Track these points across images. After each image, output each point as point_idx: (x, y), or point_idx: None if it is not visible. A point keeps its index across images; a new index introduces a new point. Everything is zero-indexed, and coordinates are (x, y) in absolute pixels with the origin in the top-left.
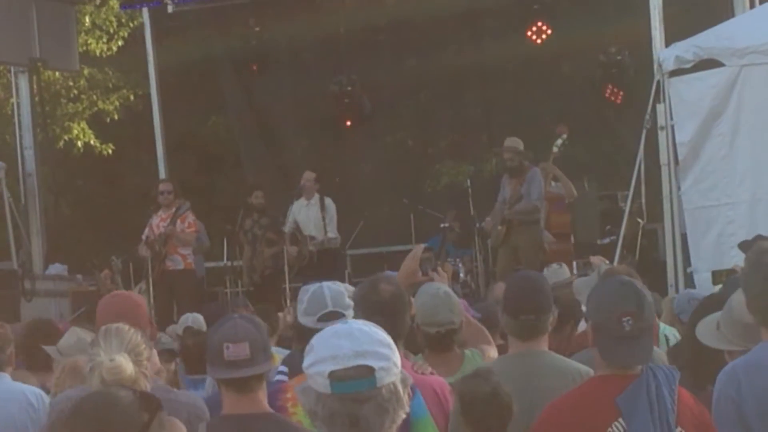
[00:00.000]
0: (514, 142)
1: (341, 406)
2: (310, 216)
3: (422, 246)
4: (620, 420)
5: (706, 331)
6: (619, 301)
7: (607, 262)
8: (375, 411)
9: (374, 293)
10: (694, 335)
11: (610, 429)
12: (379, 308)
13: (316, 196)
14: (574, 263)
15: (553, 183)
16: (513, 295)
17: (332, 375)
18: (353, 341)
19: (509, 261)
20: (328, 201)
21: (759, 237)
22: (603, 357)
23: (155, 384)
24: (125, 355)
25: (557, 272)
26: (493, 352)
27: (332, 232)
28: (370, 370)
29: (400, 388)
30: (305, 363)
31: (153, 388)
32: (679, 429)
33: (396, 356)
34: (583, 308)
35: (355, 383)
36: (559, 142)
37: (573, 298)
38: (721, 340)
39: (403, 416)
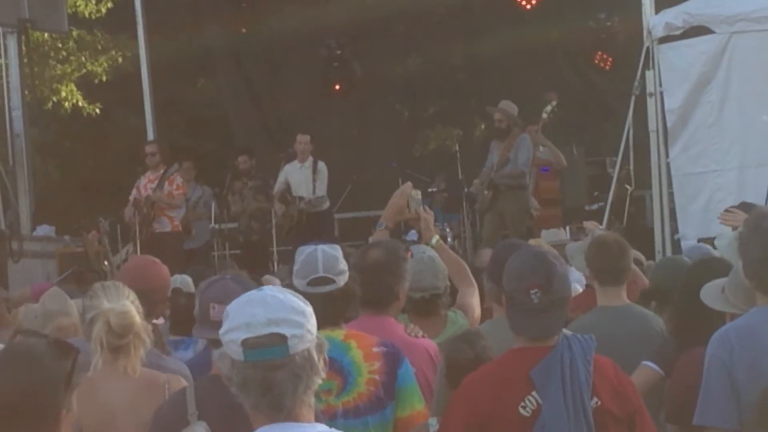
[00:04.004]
0: (509, 106)
1: (254, 373)
2: (302, 178)
3: (410, 183)
4: (534, 393)
5: (711, 293)
6: (527, 273)
7: (601, 226)
8: (288, 378)
9: (361, 258)
10: (682, 301)
11: (523, 403)
12: (362, 273)
13: (310, 158)
14: (567, 228)
15: (541, 148)
16: (498, 263)
17: (245, 343)
18: (267, 309)
19: (495, 226)
20: (321, 164)
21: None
22: (512, 329)
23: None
24: (130, 304)
25: (555, 234)
26: (474, 299)
27: (321, 191)
28: (282, 338)
29: (314, 354)
30: (221, 330)
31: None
32: (594, 399)
33: (311, 323)
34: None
35: (267, 351)
36: (549, 108)
37: None
38: (724, 303)
39: (319, 382)
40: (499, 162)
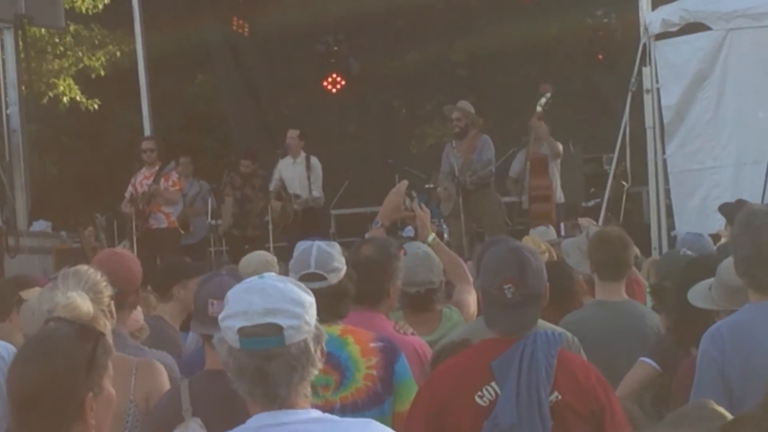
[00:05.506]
0: (466, 105)
1: (250, 361)
2: (296, 174)
3: (406, 182)
4: (493, 384)
5: (699, 292)
6: (501, 268)
7: (596, 223)
8: (283, 368)
9: (353, 255)
10: (680, 297)
11: (480, 392)
12: (353, 270)
13: (303, 154)
14: (562, 225)
15: (545, 143)
16: None
17: (241, 331)
18: (265, 298)
19: (463, 230)
20: (314, 160)
21: (740, 201)
22: (487, 324)
23: (126, 343)
24: (81, 293)
25: (545, 233)
26: (470, 295)
27: (317, 191)
28: (278, 329)
29: (311, 345)
30: (221, 315)
31: (124, 347)
32: (555, 394)
33: (310, 314)
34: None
35: (263, 341)
36: (543, 100)
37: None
38: (709, 301)
39: (315, 372)
40: (464, 164)
